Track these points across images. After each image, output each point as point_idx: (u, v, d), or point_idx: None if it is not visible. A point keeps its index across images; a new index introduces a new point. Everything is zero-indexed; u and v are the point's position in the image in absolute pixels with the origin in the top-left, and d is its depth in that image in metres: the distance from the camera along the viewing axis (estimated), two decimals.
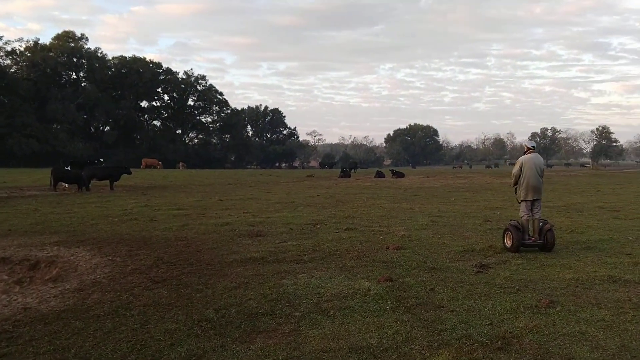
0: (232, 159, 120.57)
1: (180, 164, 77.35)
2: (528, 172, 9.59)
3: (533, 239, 9.51)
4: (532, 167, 9.58)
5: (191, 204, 18.09)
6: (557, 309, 5.94)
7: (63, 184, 25.28)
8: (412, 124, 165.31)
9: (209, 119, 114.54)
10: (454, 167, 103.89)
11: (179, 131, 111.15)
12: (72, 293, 6.84)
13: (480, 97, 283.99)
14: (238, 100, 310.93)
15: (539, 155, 9.98)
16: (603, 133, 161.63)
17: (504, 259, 8.77)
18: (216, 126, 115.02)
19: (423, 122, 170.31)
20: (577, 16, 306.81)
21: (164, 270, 8.01)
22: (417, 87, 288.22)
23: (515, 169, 9.79)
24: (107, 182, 26.50)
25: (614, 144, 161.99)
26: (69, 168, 28.66)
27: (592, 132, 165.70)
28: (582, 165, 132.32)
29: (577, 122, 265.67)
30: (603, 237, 10.80)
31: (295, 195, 22.27)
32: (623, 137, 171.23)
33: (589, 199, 21.54)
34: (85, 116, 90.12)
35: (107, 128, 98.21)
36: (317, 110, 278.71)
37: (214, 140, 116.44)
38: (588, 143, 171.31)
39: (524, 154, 9.89)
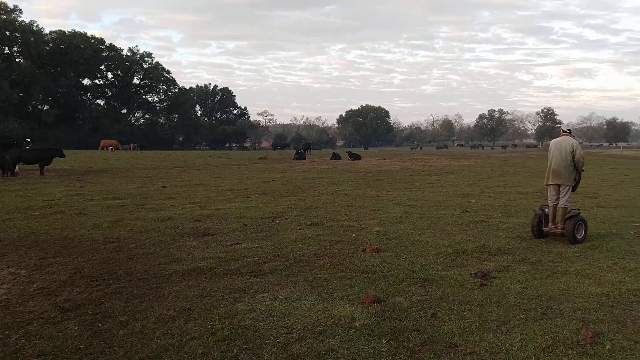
0: (181, 139, 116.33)
1: (132, 145, 73.95)
2: (552, 156, 9.22)
3: (554, 226, 8.97)
4: (557, 151, 9.15)
5: (130, 192, 15.94)
6: (607, 346, 4.46)
7: None
8: (364, 105, 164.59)
9: (156, 98, 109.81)
10: (411, 149, 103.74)
11: (124, 111, 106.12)
12: None
13: (428, 79, 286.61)
14: (187, 79, 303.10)
15: (570, 139, 9.25)
16: (548, 115, 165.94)
17: (504, 263, 7.31)
18: (163, 105, 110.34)
19: (374, 103, 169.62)
20: (522, 0, 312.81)
21: (81, 290, 6.10)
22: (367, 69, 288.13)
23: (548, 153, 9.45)
24: (39, 166, 23.71)
25: (558, 125, 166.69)
26: None
27: (538, 113, 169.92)
28: (527, 146, 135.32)
29: (521, 104, 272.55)
30: (601, 232, 9.55)
31: (247, 181, 20.36)
32: (564, 119, 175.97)
33: None
34: (20, 94, 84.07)
35: (46, 107, 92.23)
36: (268, 90, 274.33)
37: (162, 120, 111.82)
38: (533, 124, 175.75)
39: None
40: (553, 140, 9.58)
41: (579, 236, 8.69)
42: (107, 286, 6.21)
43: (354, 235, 9.14)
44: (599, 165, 33.55)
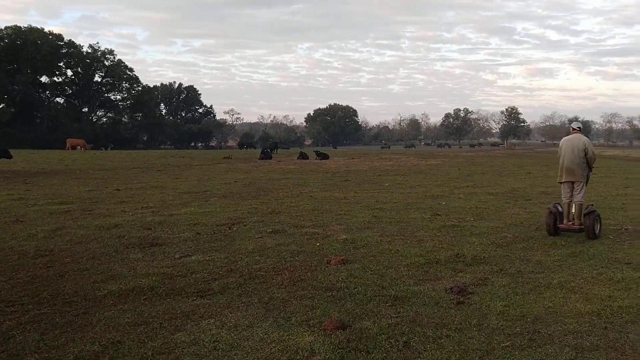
0: (145, 138, 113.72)
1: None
2: (564, 154, 9.38)
3: (570, 223, 9.12)
4: (569, 149, 9.32)
5: (79, 196, 14.79)
6: None
7: None
8: (332, 103, 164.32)
9: (119, 97, 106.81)
10: (382, 148, 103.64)
11: (85, 109, 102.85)
12: None
13: (395, 78, 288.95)
14: (151, 77, 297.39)
15: (582, 136, 9.46)
16: (512, 114, 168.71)
17: (481, 275, 6.64)
18: (126, 104, 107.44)
19: (342, 102, 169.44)
20: (486, 0, 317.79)
21: None
22: (335, 68, 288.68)
23: (558, 151, 9.69)
24: None
25: (522, 124, 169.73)
26: None
27: (502, 112, 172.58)
28: (492, 145, 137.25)
29: (485, 103, 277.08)
30: (580, 237, 9.01)
31: (208, 182, 19.36)
32: (527, 118, 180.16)
33: (527, 182, 20.35)
34: None
35: (2, 105, 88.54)
36: (235, 88, 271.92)
37: (125, 119, 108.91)
38: (498, 123, 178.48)
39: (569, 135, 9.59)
40: (564, 139, 9.70)
41: (597, 231, 8.93)
42: (24, 313, 5.27)
43: (318, 244, 8.36)
44: None
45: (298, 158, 38.91)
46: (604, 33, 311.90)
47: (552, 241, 8.70)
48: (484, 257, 7.57)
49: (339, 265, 6.99)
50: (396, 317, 5.11)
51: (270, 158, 38.74)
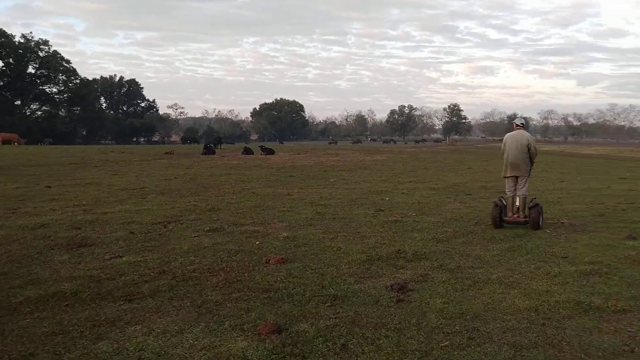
0: (84, 133, 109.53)
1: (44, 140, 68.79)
2: (508, 149, 9.64)
3: (515, 215, 9.46)
4: (513, 145, 9.59)
5: (5, 194, 13.87)
6: None
7: None
8: (279, 98, 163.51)
9: (55, 90, 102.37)
10: (329, 143, 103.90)
11: (18, 102, 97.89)
12: None
13: (341, 74, 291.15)
14: (92, 70, 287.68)
15: (525, 132, 9.81)
16: (454, 110, 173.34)
17: (421, 271, 6.57)
18: (63, 97, 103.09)
19: (289, 97, 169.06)
20: None
21: None
22: (281, 62, 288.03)
23: (502, 147, 9.96)
24: None
25: (464, 120, 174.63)
26: None
27: (445, 109, 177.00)
28: (435, 141, 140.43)
29: (428, 100, 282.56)
30: (518, 231, 9.15)
31: (147, 179, 18.66)
32: (469, 114, 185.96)
33: (467, 177, 20.77)
34: None
35: None
36: (179, 82, 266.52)
37: (62, 113, 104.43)
38: (441, 120, 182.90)
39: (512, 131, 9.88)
40: (508, 135, 9.95)
41: (541, 223, 9.32)
42: None
43: (257, 242, 8.09)
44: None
45: (242, 153, 38.38)
46: (541, 33, 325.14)
47: (491, 235, 8.79)
48: (424, 252, 7.52)
49: (278, 265, 6.76)
50: (335, 318, 4.93)
51: (214, 153, 38.02)
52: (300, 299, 5.47)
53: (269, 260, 6.94)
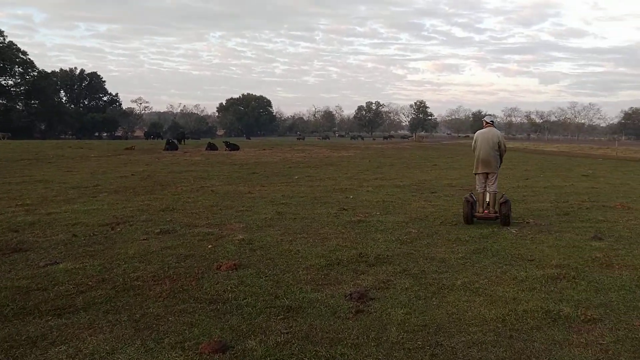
0: (43, 127, 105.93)
1: (0, 133, 66.10)
2: (480, 147, 9.73)
3: (486, 212, 9.56)
4: (484, 142, 9.70)
5: None
6: None
7: None
8: (245, 93, 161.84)
9: (11, 82, 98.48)
10: (298, 139, 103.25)
11: None
12: None
13: (309, 70, 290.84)
14: (52, 63, 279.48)
15: (495, 130, 9.93)
16: (420, 107, 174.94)
17: (383, 277, 6.19)
18: (20, 90, 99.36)
19: (256, 92, 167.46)
20: None
21: None
22: (248, 57, 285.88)
23: (472, 144, 10.07)
24: None
25: (430, 117, 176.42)
26: None
27: (411, 106, 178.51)
28: (402, 137, 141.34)
29: (396, 97, 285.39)
30: (483, 232, 8.88)
31: (102, 176, 17.82)
32: (435, 111, 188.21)
33: (432, 174, 20.59)
34: None
35: None
36: (143, 76, 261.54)
37: (19, 107, 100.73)
38: (407, 116, 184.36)
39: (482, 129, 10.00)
40: (478, 132, 10.05)
41: (510, 219, 9.44)
42: None
43: (210, 246, 7.56)
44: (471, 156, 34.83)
45: (206, 149, 37.54)
46: (504, 32, 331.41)
47: (456, 236, 8.48)
48: (387, 255, 7.14)
49: (230, 271, 6.27)
50: (287, 334, 4.48)
51: (176, 149, 37.06)
52: (251, 311, 5.00)
53: (221, 266, 6.44)
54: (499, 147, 9.74)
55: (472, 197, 9.72)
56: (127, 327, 4.61)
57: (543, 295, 5.53)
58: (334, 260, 6.82)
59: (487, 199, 9.69)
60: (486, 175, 9.76)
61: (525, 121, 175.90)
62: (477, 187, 9.91)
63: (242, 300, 5.31)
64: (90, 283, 5.77)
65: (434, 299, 5.45)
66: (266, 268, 6.47)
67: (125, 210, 10.43)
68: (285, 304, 5.19)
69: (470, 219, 9.49)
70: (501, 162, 10.03)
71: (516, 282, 6.01)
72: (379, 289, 5.75)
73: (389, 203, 12.15)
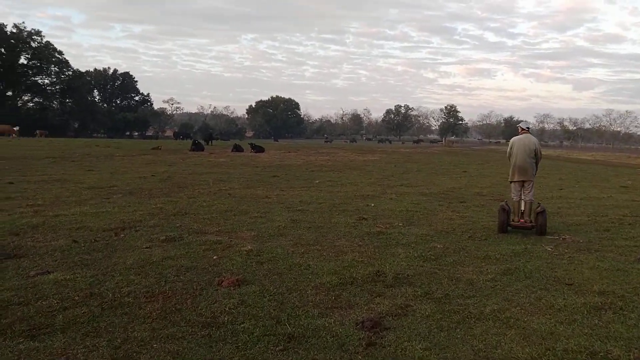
0: (76, 126, 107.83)
1: (38, 132, 67.79)
2: (516, 154, 9.51)
3: (522, 220, 9.33)
4: (521, 149, 9.47)
5: None
6: None
7: None
8: (274, 96, 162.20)
9: (47, 81, 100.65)
10: (325, 142, 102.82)
11: (10, 93, 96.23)
12: None
13: (339, 73, 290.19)
14: (88, 63, 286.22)
15: (532, 136, 9.71)
16: (451, 112, 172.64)
17: (402, 300, 5.51)
18: (56, 89, 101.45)
19: (285, 95, 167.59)
20: (429, 0, 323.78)
21: None
22: (279, 60, 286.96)
23: (508, 150, 9.79)
24: None
25: (460, 122, 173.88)
26: None
27: (441, 110, 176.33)
28: (432, 141, 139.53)
29: (426, 100, 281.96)
30: (515, 248, 8.10)
31: (122, 176, 17.52)
32: (466, 116, 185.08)
33: (461, 182, 19.71)
34: None
35: None
36: (176, 77, 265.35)
37: (54, 105, 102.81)
38: (437, 121, 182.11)
39: (518, 135, 9.77)
40: (515, 138, 9.77)
41: (546, 230, 9.19)
42: None
43: (215, 257, 7.00)
44: (503, 163, 33.68)
45: (232, 150, 37.27)
46: (538, 37, 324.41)
47: (485, 254, 7.73)
48: (407, 275, 6.46)
49: (232, 288, 5.68)
50: None
51: (202, 150, 36.87)
52: (247, 339, 4.40)
53: (222, 281, 5.86)
54: (536, 154, 9.56)
55: (507, 205, 9.48)
56: (105, 354, 4.06)
57: (586, 331, 4.78)
58: (348, 279, 6.18)
59: (522, 208, 9.48)
60: (522, 183, 9.56)
61: (558, 128, 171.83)
62: (512, 195, 9.74)
63: (240, 324, 4.71)
64: (76, 298, 5.25)
65: (458, 330, 4.76)
66: (271, 285, 5.86)
67: (135, 214, 9.97)
68: (287, 332, 4.57)
69: (505, 227, 9.27)
70: (537, 169, 9.78)
71: (553, 312, 5.26)
72: (395, 315, 5.08)
73: (413, 213, 11.43)
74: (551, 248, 8.21)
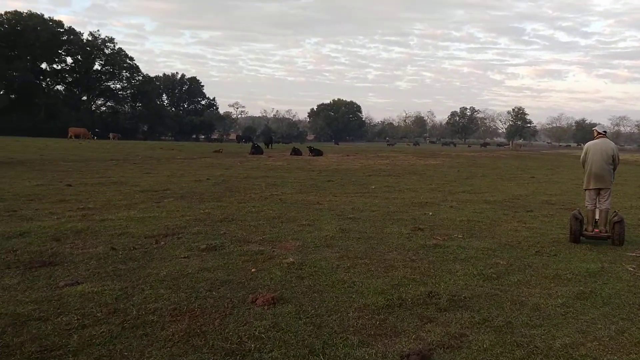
0: (145, 129, 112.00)
1: (111, 134, 71.72)
2: (592, 159, 8.97)
3: (597, 230, 8.75)
4: (597, 154, 8.93)
5: (19, 192, 12.99)
6: None
7: None
8: (336, 99, 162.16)
9: (119, 86, 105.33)
10: (387, 145, 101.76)
11: (85, 97, 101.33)
12: None
13: (402, 75, 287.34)
14: (159, 68, 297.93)
15: (609, 141, 9.12)
16: (518, 114, 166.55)
17: (456, 329, 4.81)
18: (127, 93, 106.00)
19: (347, 97, 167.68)
20: (496, 0, 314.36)
21: None
22: (342, 63, 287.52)
23: (582, 156, 9.30)
24: None
25: (528, 124, 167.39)
26: None
27: (509, 112, 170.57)
28: (498, 145, 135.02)
29: (492, 103, 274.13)
30: (589, 267, 7.16)
31: (177, 179, 17.53)
32: (534, 119, 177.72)
33: (529, 189, 18.44)
34: None
35: (0, 91, 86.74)
36: (242, 82, 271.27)
37: (125, 109, 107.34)
38: (504, 123, 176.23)
39: (594, 139, 9.24)
40: (590, 143, 9.27)
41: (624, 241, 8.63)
42: None
43: (254, 270, 6.52)
44: (574, 169, 31.66)
45: (291, 154, 37.21)
46: (614, 35, 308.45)
47: (555, 272, 6.85)
48: (464, 297, 5.73)
49: (266, 307, 5.17)
50: None
51: (261, 153, 36.99)
52: None
53: (257, 299, 5.36)
54: (613, 160, 8.97)
55: (580, 213, 8.85)
56: None
57: None
58: (396, 300, 5.52)
59: (597, 217, 8.89)
60: (598, 191, 8.96)
61: (636, 131, 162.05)
62: (586, 203, 9.16)
63: (267, 353, 4.18)
64: (99, 314, 4.89)
65: None
66: (310, 305, 5.30)
67: (181, 220, 9.70)
68: None
69: (578, 237, 8.71)
70: (614, 176, 9.19)
71: (639, 350, 4.41)
72: (447, 347, 4.40)
73: (475, 223, 10.57)
74: (633, 268, 7.19)
